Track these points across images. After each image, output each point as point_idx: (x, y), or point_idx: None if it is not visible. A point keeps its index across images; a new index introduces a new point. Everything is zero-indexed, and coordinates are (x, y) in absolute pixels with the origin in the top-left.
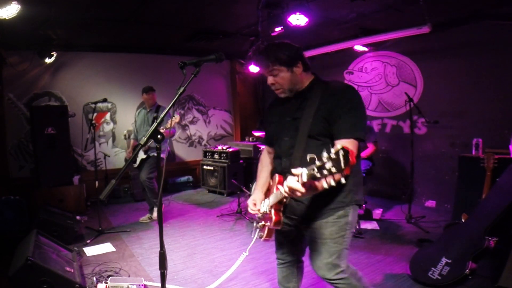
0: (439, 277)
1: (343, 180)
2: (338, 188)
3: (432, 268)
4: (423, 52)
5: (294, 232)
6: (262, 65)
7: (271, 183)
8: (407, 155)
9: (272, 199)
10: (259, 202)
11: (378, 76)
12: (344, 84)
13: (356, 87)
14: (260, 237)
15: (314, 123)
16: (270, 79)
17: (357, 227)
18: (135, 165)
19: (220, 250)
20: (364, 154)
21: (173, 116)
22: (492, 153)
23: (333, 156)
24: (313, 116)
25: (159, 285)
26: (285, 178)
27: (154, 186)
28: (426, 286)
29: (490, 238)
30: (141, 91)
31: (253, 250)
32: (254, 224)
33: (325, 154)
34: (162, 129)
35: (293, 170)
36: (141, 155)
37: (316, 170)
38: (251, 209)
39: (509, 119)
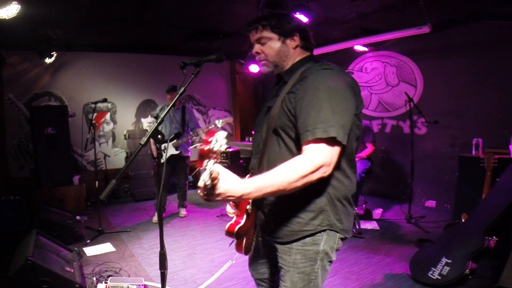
0: (439, 277)
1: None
2: (301, 203)
3: (432, 268)
4: (423, 52)
5: (260, 246)
6: (252, 28)
7: None
8: (407, 155)
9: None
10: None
11: (378, 76)
12: (319, 66)
13: None
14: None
15: (278, 115)
16: (256, 47)
17: (358, 227)
18: (162, 160)
19: (220, 250)
20: (363, 154)
21: (226, 117)
22: (492, 153)
23: (206, 164)
24: (280, 106)
25: (159, 285)
26: None
27: (187, 189)
28: (426, 286)
29: (490, 238)
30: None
31: None
32: None
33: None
34: (205, 128)
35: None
36: (172, 151)
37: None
38: (228, 211)
39: (509, 119)
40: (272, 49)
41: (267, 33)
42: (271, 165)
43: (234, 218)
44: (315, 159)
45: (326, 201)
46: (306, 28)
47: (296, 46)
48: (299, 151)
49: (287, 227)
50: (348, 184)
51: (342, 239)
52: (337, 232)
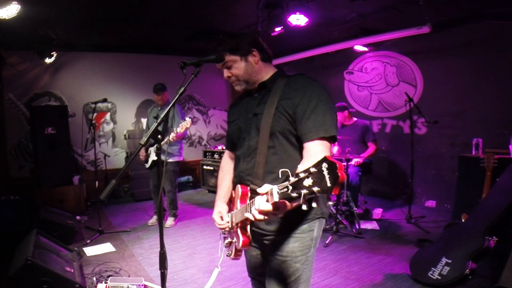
0: (439, 277)
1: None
2: None
3: (432, 268)
4: (423, 52)
5: (259, 250)
6: (216, 59)
7: (233, 194)
8: (407, 155)
9: (237, 216)
10: (225, 214)
11: (378, 76)
12: (308, 78)
13: (356, 87)
14: (228, 255)
15: (275, 119)
16: (225, 72)
17: (358, 227)
18: (147, 166)
19: (220, 250)
20: (366, 154)
21: (185, 120)
22: (492, 153)
23: (313, 169)
24: (274, 112)
25: (159, 285)
26: (245, 184)
27: (176, 197)
28: (426, 286)
29: (490, 238)
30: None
31: None
32: (220, 242)
33: (301, 167)
34: (173, 132)
35: (259, 189)
36: (153, 156)
37: (290, 188)
38: (219, 223)
39: (509, 119)
40: (239, 70)
41: (229, 57)
42: (270, 169)
43: (240, 233)
44: (323, 156)
45: None
46: (259, 41)
47: (258, 61)
48: (297, 155)
49: (290, 219)
50: None
51: (325, 218)
52: (324, 218)
